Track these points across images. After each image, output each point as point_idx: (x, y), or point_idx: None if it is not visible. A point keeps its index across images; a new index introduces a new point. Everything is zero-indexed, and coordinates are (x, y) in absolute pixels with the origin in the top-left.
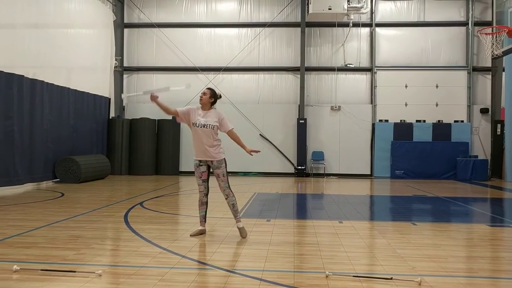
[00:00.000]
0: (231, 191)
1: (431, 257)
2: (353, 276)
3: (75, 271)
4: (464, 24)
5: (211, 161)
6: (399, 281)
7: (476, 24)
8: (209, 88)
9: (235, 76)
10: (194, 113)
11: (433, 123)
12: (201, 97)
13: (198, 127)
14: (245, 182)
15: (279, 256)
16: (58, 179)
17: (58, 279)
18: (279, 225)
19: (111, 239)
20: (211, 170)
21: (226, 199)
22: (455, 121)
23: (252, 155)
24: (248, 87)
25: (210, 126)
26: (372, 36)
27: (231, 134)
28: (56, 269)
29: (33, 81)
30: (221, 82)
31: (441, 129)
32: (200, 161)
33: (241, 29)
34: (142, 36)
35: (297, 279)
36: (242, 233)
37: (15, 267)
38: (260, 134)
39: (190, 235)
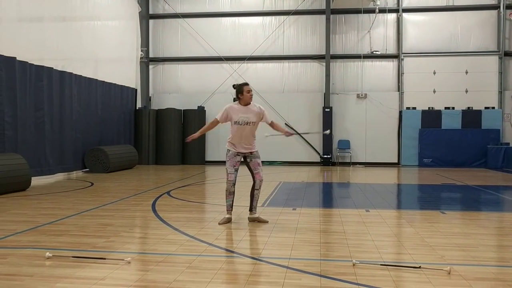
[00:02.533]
0: None
1: (460, 246)
2: (381, 264)
3: (105, 258)
4: (495, 7)
5: (250, 152)
6: (428, 270)
7: (508, 7)
8: (247, 84)
9: (259, 65)
10: (234, 112)
11: (462, 110)
12: (251, 95)
13: (241, 124)
14: (270, 171)
15: (305, 245)
16: (87, 169)
17: (89, 265)
18: (305, 214)
19: (139, 227)
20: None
21: (259, 188)
22: (486, 108)
23: (288, 135)
24: (273, 76)
25: (252, 123)
26: (399, 22)
27: (273, 125)
28: (87, 256)
29: (62, 73)
30: (246, 72)
31: (471, 116)
32: (238, 153)
33: (265, 17)
34: (167, 27)
35: (323, 267)
36: (262, 220)
37: (48, 254)
38: (285, 123)
39: (219, 223)
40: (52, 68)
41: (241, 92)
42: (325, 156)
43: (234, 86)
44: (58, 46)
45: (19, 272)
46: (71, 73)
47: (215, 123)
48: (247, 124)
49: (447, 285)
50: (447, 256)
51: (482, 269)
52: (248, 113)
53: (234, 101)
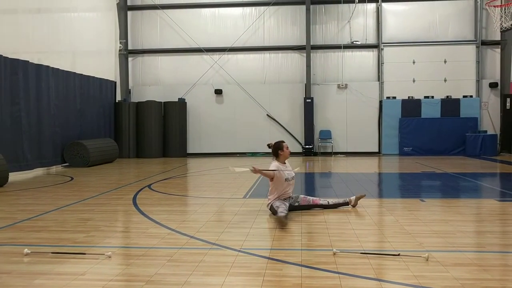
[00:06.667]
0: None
1: (438, 233)
2: (361, 253)
3: (85, 253)
4: None
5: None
6: (407, 257)
7: None
8: (283, 141)
9: (240, 56)
10: (283, 169)
11: (441, 99)
12: (289, 152)
13: (290, 181)
14: (253, 162)
15: (287, 235)
16: (67, 164)
17: (68, 261)
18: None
19: (120, 222)
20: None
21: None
22: (464, 96)
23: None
24: (254, 67)
25: (294, 176)
26: (378, 12)
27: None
28: (66, 251)
29: (38, 66)
30: (226, 63)
31: (450, 105)
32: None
33: (245, 8)
34: (145, 18)
35: (304, 257)
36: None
37: (26, 250)
38: (267, 114)
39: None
40: (28, 61)
41: (281, 148)
42: (307, 146)
43: (269, 145)
44: (33, 38)
45: None
46: (48, 66)
47: (273, 176)
48: (293, 178)
49: (425, 272)
50: (426, 243)
51: (459, 255)
52: (289, 169)
53: (216, 95)
